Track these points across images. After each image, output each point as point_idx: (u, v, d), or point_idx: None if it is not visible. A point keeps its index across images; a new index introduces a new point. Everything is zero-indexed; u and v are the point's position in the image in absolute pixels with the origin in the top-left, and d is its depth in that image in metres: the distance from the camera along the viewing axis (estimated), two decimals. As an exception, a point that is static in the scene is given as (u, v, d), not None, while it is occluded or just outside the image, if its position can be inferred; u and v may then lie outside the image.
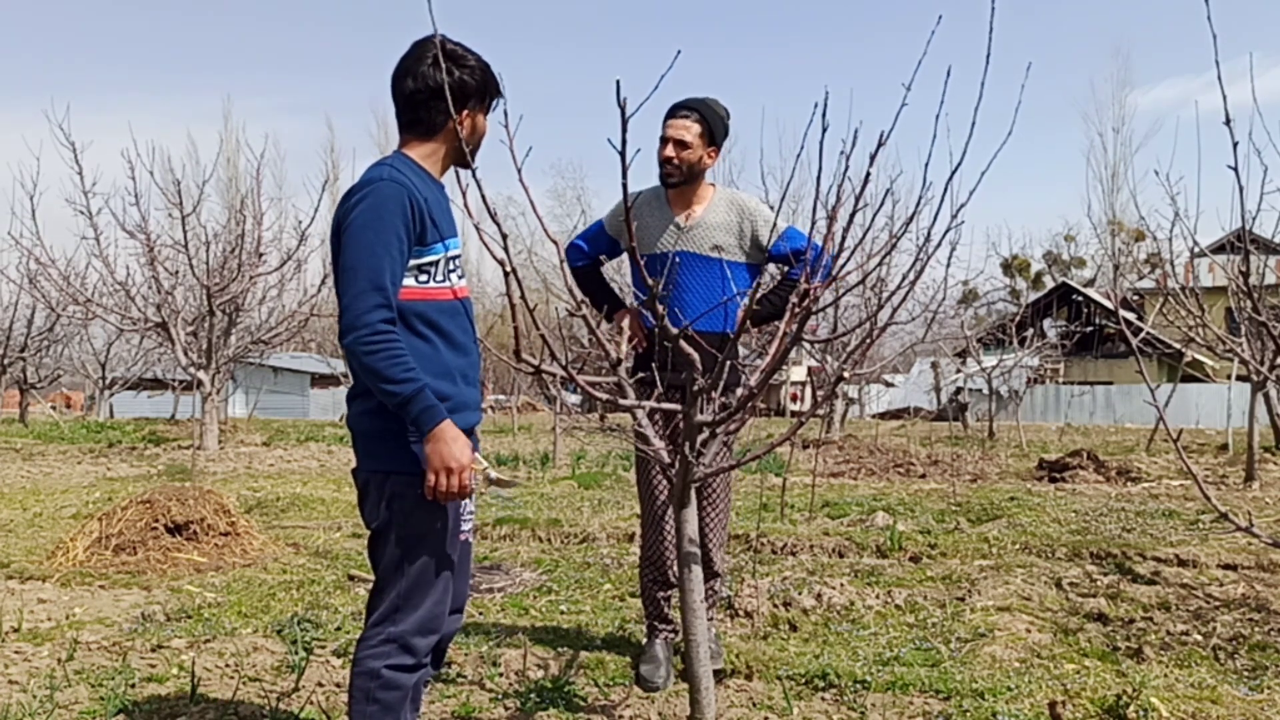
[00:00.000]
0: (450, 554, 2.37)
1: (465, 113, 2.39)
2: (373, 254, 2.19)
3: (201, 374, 13.21)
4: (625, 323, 3.56)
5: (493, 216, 2.36)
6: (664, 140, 3.51)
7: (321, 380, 34.66)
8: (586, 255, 3.77)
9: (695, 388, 2.58)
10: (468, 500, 2.40)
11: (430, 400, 2.19)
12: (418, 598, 2.32)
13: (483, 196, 2.38)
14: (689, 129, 3.48)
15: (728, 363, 2.53)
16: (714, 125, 3.52)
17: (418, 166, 2.38)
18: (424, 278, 2.31)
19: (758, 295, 3.61)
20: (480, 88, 2.41)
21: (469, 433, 2.43)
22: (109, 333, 21.33)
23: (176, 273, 13.37)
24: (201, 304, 13.34)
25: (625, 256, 3.42)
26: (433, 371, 2.30)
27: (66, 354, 24.05)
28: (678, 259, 3.53)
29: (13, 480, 10.11)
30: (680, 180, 3.53)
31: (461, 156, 2.41)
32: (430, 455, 2.20)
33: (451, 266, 2.39)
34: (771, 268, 3.80)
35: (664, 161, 3.50)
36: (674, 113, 3.52)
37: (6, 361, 19.97)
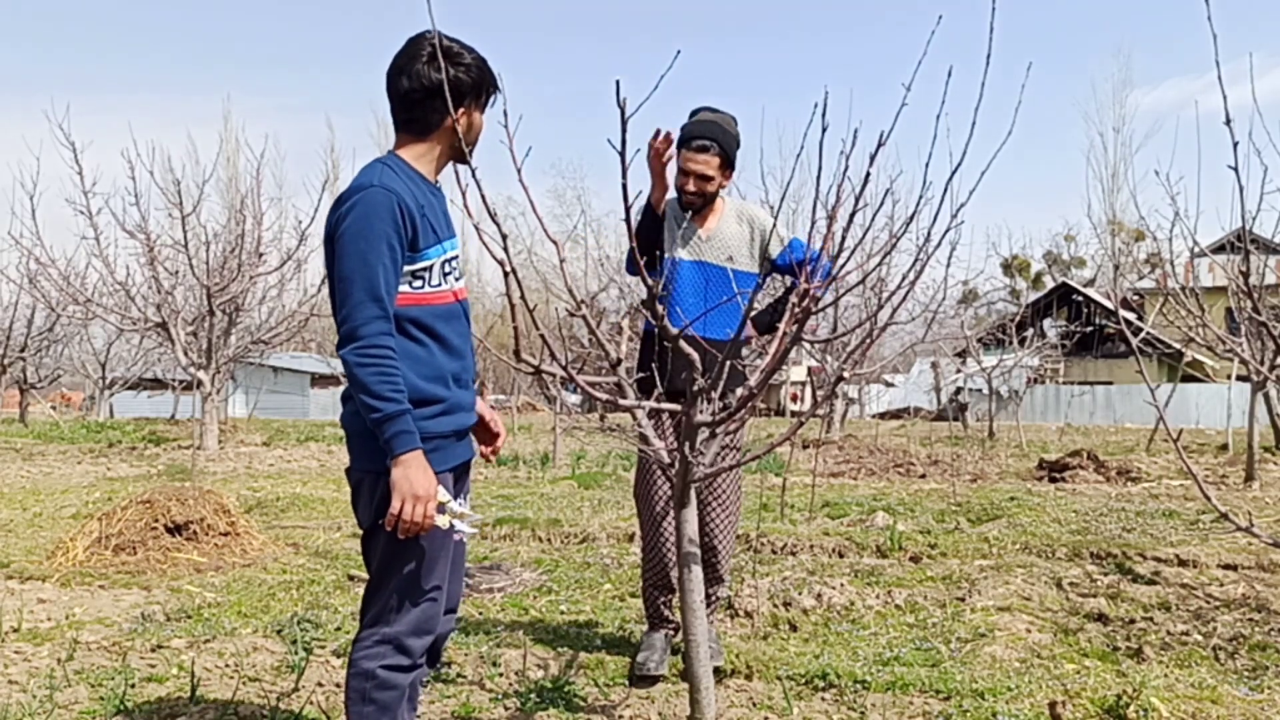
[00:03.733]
0: (444, 554, 2.35)
1: (461, 111, 2.35)
2: (366, 263, 2.16)
3: (201, 374, 13.22)
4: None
5: (493, 216, 2.35)
6: (685, 174, 3.57)
7: (321, 380, 34.68)
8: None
9: (695, 388, 2.58)
10: (462, 501, 2.39)
11: (409, 426, 2.16)
12: (412, 598, 2.31)
13: (482, 196, 2.36)
14: (710, 164, 3.56)
15: (729, 364, 2.53)
16: (730, 152, 3.61)
17: (410, 169, 2.33)
18: (418, 283, 2.29)
19: (765, 303, 3.66)
20: (476, 85, 2.37)
21: (464, 434, 2.42)
22: (109, 333, 21.36)
23: (176, 273, 13.38)
24: (201, 304, 13.35)
25: (641, 260, 3.42)
26: (426, 375, 2.28)
27: (66, 354, 24.07)
28: (676, 264, 3.59)
29: (13, 480, 10.12)
30: (701, 207, 3.65)
31: (460, 154, 2.38)
32: (398, 480, 2.14)
33: (448, 269, 2.35)
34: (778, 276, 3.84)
35: (684, 191, 3.60)
36: (689, 143, 3.56)
37: (6, 361, 19.97)
